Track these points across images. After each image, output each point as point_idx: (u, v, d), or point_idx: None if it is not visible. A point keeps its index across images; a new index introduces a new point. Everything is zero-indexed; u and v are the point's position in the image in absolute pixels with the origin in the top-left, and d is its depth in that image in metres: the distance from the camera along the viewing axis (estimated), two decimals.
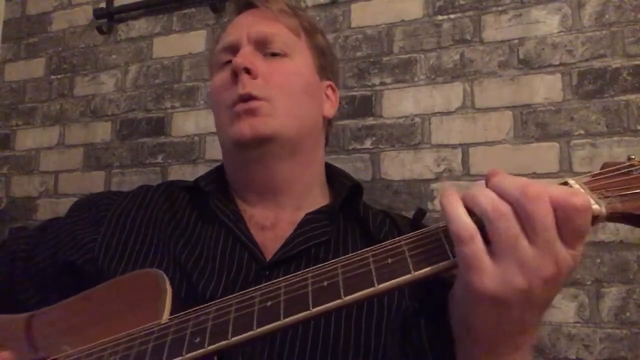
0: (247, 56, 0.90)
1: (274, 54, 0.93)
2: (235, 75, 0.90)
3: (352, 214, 0.96)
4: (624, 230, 1.38)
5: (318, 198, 0.98)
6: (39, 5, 2.27)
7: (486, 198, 0.54)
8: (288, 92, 0.92)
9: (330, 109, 1.03)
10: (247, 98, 0.88)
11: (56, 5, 2.24)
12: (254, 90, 0.88)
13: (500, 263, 0.51)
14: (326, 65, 1.03)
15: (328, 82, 1.04)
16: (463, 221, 0.53)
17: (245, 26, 0.96)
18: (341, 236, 0.92)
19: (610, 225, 1.39)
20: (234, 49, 0.94)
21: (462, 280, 0.54)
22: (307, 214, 0.91)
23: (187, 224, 0.92)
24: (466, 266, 0.53)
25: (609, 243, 1.39)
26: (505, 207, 0.52)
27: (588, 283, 1.39)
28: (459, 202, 0.55)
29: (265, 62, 0.92)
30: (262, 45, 0.93)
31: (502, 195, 0.54)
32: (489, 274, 0.51)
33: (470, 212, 0.54)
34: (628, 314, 1.35)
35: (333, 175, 1.03)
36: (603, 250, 1.39)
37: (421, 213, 0.94)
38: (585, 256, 1.40)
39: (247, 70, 0.89)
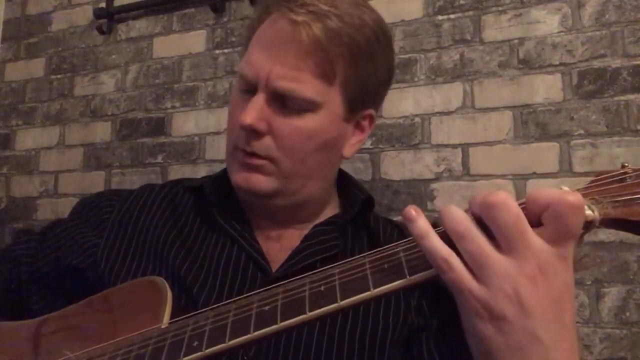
0: (256, 115, 0.80)
1: (292, 108, 0.82)
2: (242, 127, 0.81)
3: (361, 225, 0.94)
4: None
5: (328, 210, 0.95)
6: (39, 5, 2.28)
7: (447, 220, 0.54)
8: (299, 154, 0.83)
9: (353, 146, 0.91)
10: (251, 154, 0.82)
11: (56, 5, 2.24)
12: (259, 151, 0.82)
13: (482, 280, 0.51)
14: (366, 94, 0.88)
15: (365, 112, 0.90)
16: (438, 252, 0.53)
17: (268, 62, 0.81)
18: (349, 249, 0.89)
19: None
20: (251, 85, 0.83)
21: (456, 300, 0.54)
22: (315, 225, 0.90)
23: (189, 232, 0.90)
24: (453, 290, 0.53)
25: (609, 243, 1.39)
26: (461, 227, 0.53)
27: (588, 283, 1.39)
28: (430, 230, 0.55)
29: (280, 117, 0.81)
30: (279, 99, 0.81)
31: (472, 211, 0.54)
32: (475, 295, 0.51)
33: None
34: (628, 314, 1.35)
35: (345, 184, 0.99)
36: (603, 250, 1.39)
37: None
38: (585, 256, 1.40)
39: (254, 131, 0.81)
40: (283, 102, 0.81)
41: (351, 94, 0.85)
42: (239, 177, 0.84)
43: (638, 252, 1.36)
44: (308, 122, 0.82)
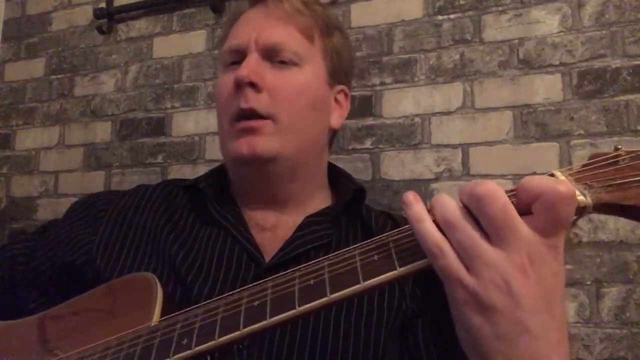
0: (252, 68, 0.85)
1: (282, 62, 0.88)
2: (239, 86, 0.85)
3: (354, 216, 0.95)
4: (624, 230, 1.37)
5: (320, 200, 0.96)
6: (39, 5, 2.28)
7: (437, 208, 0.54)
8: (294, 108, 0.88)
9: (338, 119, 0.98)
10: (250, 115, 0.85)
11: (56, 5, 2.24)
12: (258, 107, 0.85)
13: (472, 270, 0.51)
14: (340, 68, 0.97)
15: (340, 87, 0.98)
16: (431, 237, 0.53)
17: (255, 28, 0.90)
18: (342, 239, 0.90)
19: (610, 225, 1.38)
20: (241, 53, 0.89)
21: (446, 289, 0.54)
22: (307, 216, 0.90)
23: (184, 226, 0.91)
24: (443, 278, 0.53)
25: (609, 243, 1.38)
26: (451, 216, 0.53)
27: (588, 283, 1.38)
28: (425, 215, 0.54)
29: (273, 72, 0.87)
30: (270, 53, 0.88)
31: (461, 200, 0.54)
32: (465, 284, 0.51)
33: None
34: (628, 314, 1.34)
35: (336, 176, 1.01)
36: (603, 250, 1.38)
37: None
38: (585, 256, 1.39)
39: (252, 84, 0.85)
40: (273, 58, 0.89)
41: (329, 62, 0.95)
42: (241, 145, 0.86)
43: (638, 252, 1.36)
44: (297, 75, 0.89)
